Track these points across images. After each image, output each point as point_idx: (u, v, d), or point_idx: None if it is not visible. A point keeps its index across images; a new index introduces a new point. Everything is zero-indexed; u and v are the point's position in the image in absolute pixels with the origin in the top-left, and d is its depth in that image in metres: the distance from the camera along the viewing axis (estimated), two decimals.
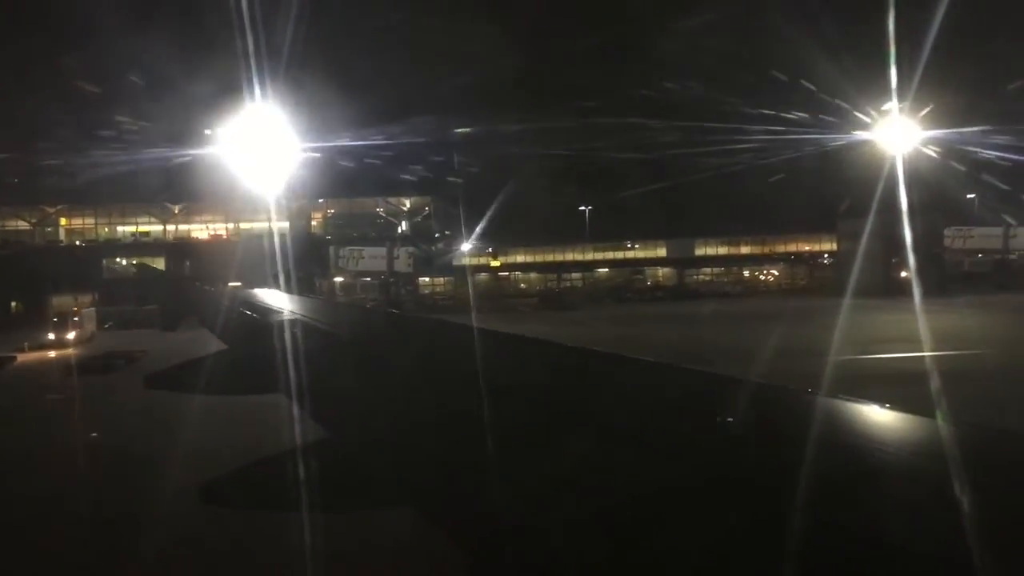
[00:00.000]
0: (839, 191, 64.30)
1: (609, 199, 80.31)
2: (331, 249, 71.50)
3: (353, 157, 70.28)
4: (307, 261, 60.33)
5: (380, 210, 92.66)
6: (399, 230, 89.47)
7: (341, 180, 75.40)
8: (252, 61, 39.44)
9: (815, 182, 67.18)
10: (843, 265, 67.14)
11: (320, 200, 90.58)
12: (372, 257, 71.85)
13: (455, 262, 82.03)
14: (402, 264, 72.32)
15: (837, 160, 61.75)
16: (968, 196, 66.55)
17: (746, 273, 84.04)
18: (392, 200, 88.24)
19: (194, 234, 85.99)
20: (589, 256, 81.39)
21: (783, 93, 61.78)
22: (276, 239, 53.47)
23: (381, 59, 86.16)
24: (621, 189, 76.63)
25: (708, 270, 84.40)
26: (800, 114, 60.52)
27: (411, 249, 73.87)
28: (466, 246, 77.13)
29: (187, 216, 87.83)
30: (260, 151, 60.02)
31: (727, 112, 65.25)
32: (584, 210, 79.66)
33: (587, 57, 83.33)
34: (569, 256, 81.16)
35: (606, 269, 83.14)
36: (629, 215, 76.99)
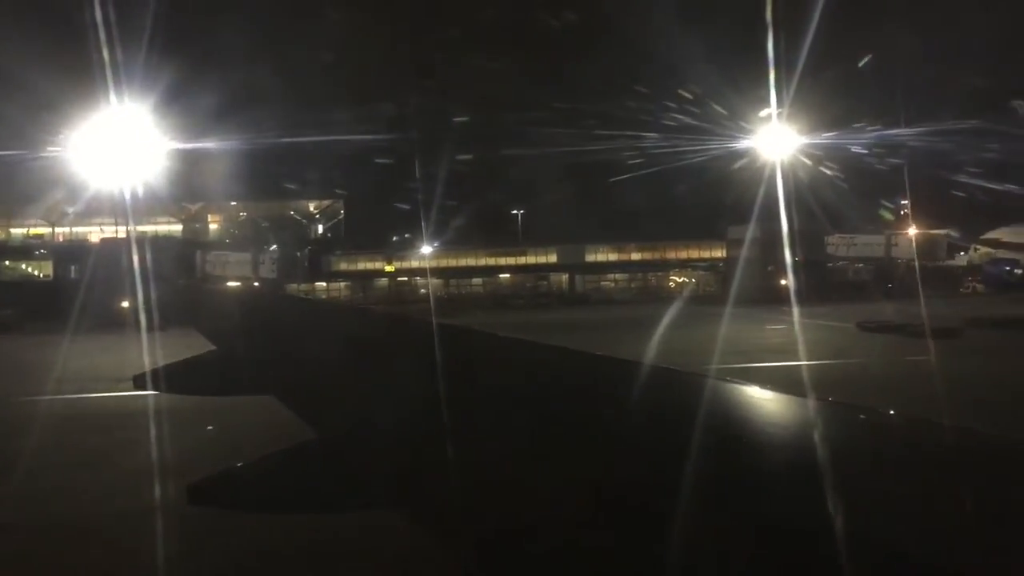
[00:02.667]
0: (726, 198, 64.19)
1: (505, 205, 79.84)
2: (198, 254, 69.50)
3: (251, 158, 68.72)
4: (170, 267, 58.25)
5: (293, 212, 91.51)
6: (307, 233, 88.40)
7: (240, 180, 73.91)
8: (127, 59, 38.47)
9: (706, 189, 67.24)
10: (731, 272, 67.05)
11: (233, 203, 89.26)
12: (237, 262, 70.00)
13: (351, 267, 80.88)
14: (266, 270, 70.58)
15: (723, 167, 61.66)
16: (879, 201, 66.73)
17: (654, 279, 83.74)
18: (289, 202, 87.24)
19: (92, 237, 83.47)
20: (483, 262, 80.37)
21: (670, 101, 61.60)
22: (133, 244, 51.37)
23: (274, 58, 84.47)
24: (516, 195, 76.22)
25: (614, 276, 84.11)
26: (687, 120, 60.34)
27: (275, 255, 72.25)
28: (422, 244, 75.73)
29: (80, 219, 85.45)
30: (136, 151, 58.04)
31: (620, 119, 65.14)
32: (481, 215, 78.86)
33: (478, 62, 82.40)
34: (463, 262, 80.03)
35: (508, 275, 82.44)
36: (524, 221, 76.55)
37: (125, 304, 48.87)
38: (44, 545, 10.27)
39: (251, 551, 8.81)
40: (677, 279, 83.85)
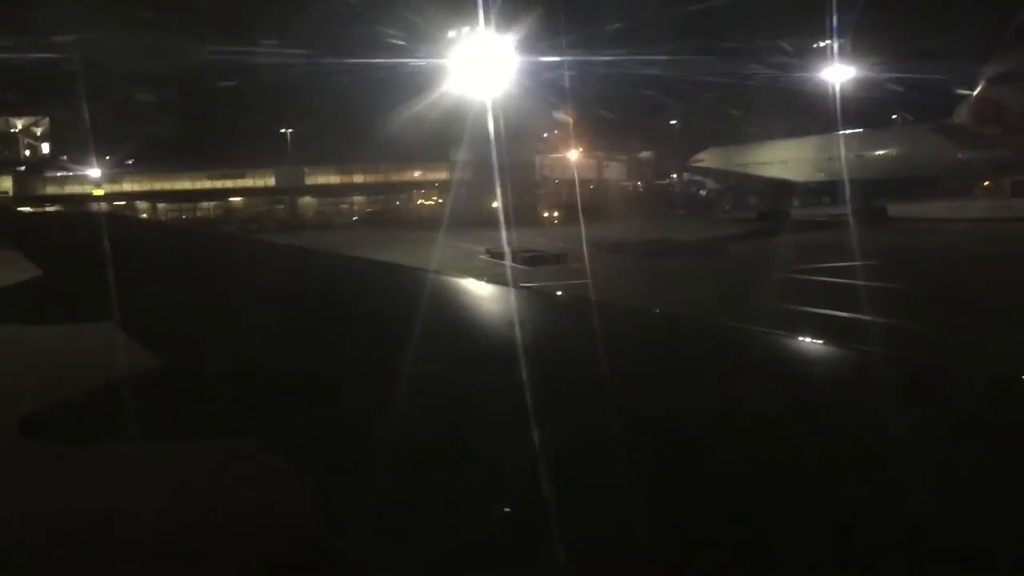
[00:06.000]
0: (445, 122, 63.17)
1: (219, 125, 75.53)
2: None
3: None
4: None
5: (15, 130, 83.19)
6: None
7: None
8: None
9: (431, 112, 65.91)
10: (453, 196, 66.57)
11: None
12: None
13: (59, 191, 74.64)
14: None
15: (442, 90, 60.40)
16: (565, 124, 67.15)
17: (398, 201, 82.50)
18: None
19: None
20: (199, 185, 76.08)
21: (378, 17, 59.65)
22: None
23: None
24: (231, 116, 72.32)
25: (358, 198, 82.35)
26: (398, 40, 58.49)
27: None
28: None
29: None
30: None
31: (330, 39, 62.59)
32: (203, 137, 74.36)
33: None
34: (180, 185, 75.41)
35: (239, 198, 78.82)
36: (240, 143, 72.77)
37: None
38: None
39: (92, 484, 8.06)
40: (426, 201, 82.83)
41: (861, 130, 47.89)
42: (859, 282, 19.72)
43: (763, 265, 25.96)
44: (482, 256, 32.37)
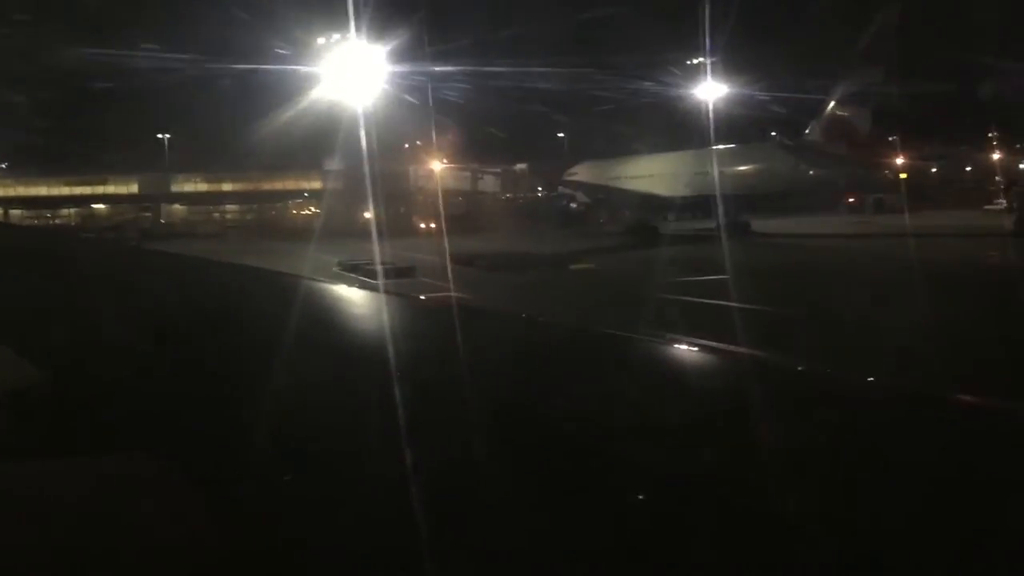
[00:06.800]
0: (321, 130, 61.82)
1: (84, 130, 72.25)
2: None
3: None
4: None
5: None
6: None
7: None
8: None
9: (304, 120, 64.42)
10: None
11: None
12: None
13: None
14: None
15: (316, 100, 59.06)
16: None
17: (274, 210, 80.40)
18: None
19: None
20: (56, 191, 72.45)
21: (252, 22, 58.06)
22: None
23: None
24: (96, 121, 69.38)
25: (231, 207, 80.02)
26: (272, 46, 56.95)
27: None
28: None
29: None
30: None
31: (205, 44, 60.76)
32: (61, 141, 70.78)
33: None
34: (35, 191, 71.66)
35: (103, 205, 75.37)
36: (106, 149, 69.75)
37: None
38: None
39: None
40: (301, 211, 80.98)
41: (723, 146, 48.76)
42: (684, 297, 19.94)
43: (607, 279, 26.44)
44: (334, 269, 31.83)
